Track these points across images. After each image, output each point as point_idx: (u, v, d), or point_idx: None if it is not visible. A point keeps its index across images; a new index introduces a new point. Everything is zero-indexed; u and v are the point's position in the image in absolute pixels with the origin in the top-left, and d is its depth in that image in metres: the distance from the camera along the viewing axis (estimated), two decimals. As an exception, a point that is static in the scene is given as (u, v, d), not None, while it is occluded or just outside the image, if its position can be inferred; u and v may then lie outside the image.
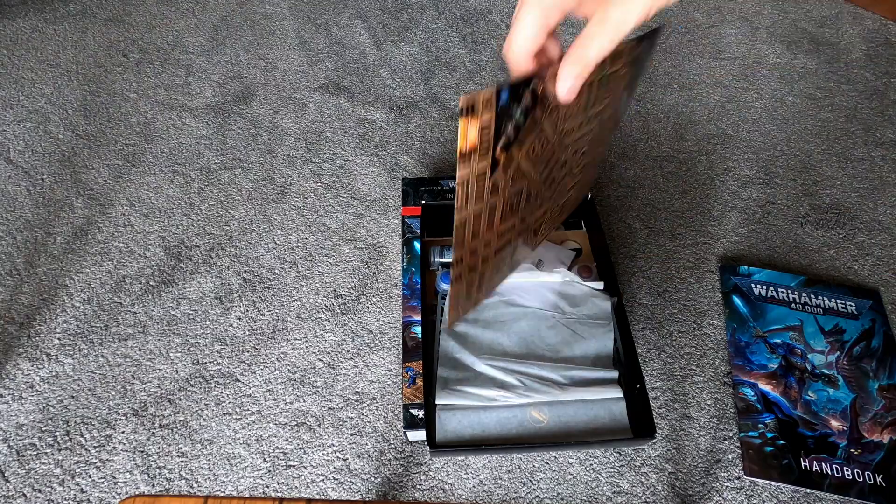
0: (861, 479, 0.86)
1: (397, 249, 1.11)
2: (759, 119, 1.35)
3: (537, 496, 0.86)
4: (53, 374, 0.95)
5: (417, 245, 1.02)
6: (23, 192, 1.18)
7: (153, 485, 0.85)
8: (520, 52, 0.40)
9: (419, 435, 0.87)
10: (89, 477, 0.86)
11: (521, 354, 0.93)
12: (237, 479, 0.86)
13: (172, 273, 1.07)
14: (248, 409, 0.92)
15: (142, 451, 0.88)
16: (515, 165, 0.53)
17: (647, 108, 1.38)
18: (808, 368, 0.96)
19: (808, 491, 0.86)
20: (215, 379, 0.95)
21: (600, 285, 1.00)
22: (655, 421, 0.91)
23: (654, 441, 0.90)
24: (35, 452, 0.88)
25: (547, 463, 0.88)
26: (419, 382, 0.89)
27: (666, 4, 0.36)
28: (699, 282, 1.08)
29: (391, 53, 1.50)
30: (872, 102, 1.38)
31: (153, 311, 1.03)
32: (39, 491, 0.84)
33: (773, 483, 0.86)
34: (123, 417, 0.91)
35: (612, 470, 0.88)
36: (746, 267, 1.08)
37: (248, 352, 0.98)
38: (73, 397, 0.93)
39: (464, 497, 0.85)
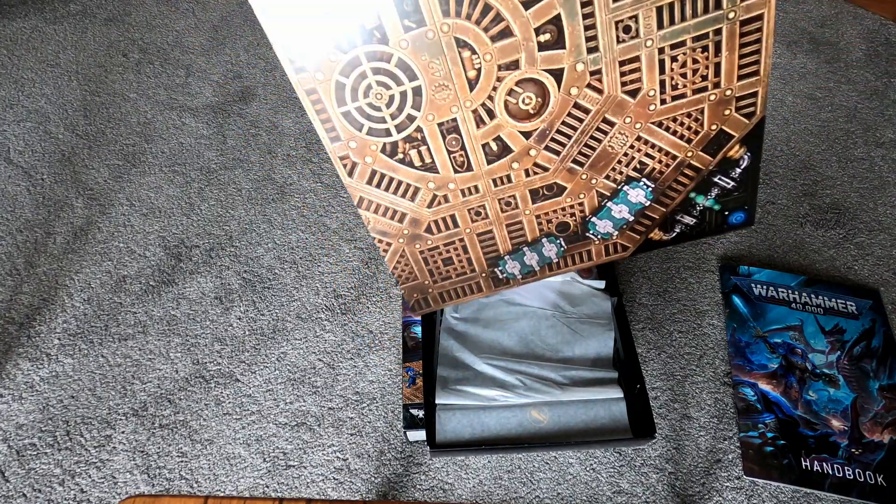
0: (862, 479, 0.85)
1: (397, 249, 1.11)
2: (759, 119, 1.35)
3: (537, 496, 0.86)
4: (53, 374, 0.95)
5: (417, 245, 1.02)
6: (23, 192, 1.18)
7: (153, 485, 0.85)
8: None
9: (419, 435, 0.87)
10: (89, 477, 0.86)
11: (521, 354, 0.93)
12: (237, 479, 0.86)
13: (172, 273, 1.07)
14: (248, 409, 0.92)
15: (142, 451, 0.88)
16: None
17: (647, 108, 1.38)
18: (809, 368, 0.96)
19: (809, 491, 0.86)
20: (215, 379, 0.95)
21: (601, 284, 1.00)
22: (655, 421, 0.91)
23: (654, 441, 0.90)
24: (35, 452, 0.88)
25: (547, 463, 0.88)
26: (419, 382, 0.89)
27: None
28: (699, 282, 1.08)
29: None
30: (872, 102, 1.38)
31: (153, 311, 1.03)
32: (39, 491, 0.84)
33: (773, 483, 0.86)
34: (123, 417, 0.91)
35: (612, 470, 0.88)
36: (746, 267, 1.08)
37: (248, 352, 0.98)
38: (73, 397, 0.93)
39: (464, 497, 0.85)
